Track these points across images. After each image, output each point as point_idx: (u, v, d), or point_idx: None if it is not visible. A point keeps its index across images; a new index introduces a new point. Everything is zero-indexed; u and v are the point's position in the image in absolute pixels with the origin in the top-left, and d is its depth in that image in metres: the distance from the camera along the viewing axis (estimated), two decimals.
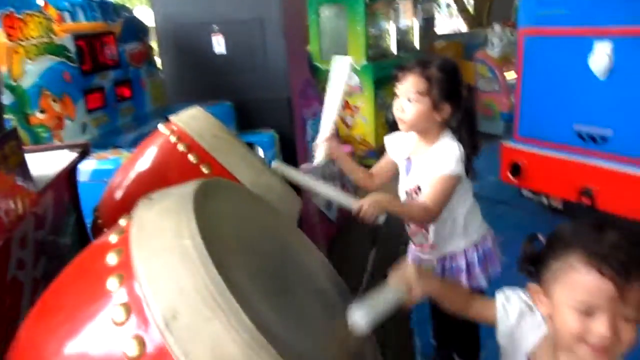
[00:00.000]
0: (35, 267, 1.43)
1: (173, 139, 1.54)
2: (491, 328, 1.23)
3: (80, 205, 1.91)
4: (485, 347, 1.92)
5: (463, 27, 8.83)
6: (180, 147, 1.51)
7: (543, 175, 3.57)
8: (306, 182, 1.67)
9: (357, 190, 2.30)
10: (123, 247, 0.77)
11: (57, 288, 0.86)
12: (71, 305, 0.79)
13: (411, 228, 1.86)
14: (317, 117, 3.51)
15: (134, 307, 0.70)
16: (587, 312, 0.92)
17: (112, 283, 0.74)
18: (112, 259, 0.77)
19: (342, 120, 5.34)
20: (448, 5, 12.32)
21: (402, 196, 1.82)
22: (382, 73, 5.01)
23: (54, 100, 2.72)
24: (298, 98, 3.36)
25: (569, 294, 0.94)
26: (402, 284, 1.13)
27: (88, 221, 1.84)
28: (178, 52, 3.45)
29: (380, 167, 1.94)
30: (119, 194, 1.61)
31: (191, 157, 1.47)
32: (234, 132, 2.75)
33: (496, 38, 5.93)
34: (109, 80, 3.29)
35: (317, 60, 5.36)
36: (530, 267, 1.07)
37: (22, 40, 2.55)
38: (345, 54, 5.18)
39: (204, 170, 1.45)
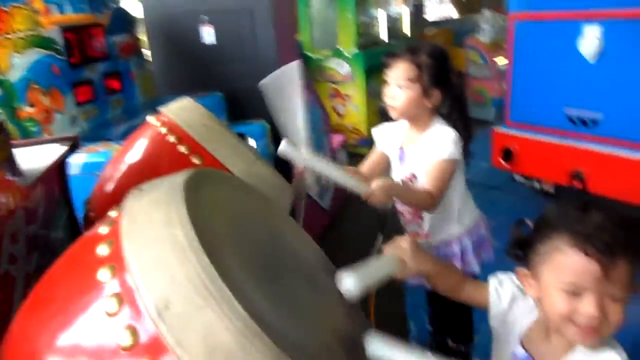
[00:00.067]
0: (28, 261, 1.43)
1: (163, 130, 1.54)
2: (484, 312, 1.24)
3: (72, 199, 1.90)
4: (478, 331, 1.94)
5: (454, 13, 8.79)
6: (171, 138, 1.50)
7: (535, 160, 3.58)
8: (314, 163, 1.56)
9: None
10: (114, 239, 0.77)
11: (48, 281, 0.86)
12: (63, 297, 0.79)
13: (405, 217, 1.86)
14: (308, 107, 3.49)
15: (126, 297, 0.70)
16: (574, 293, 0.93)
17: (103, 274, 0.73)
18: (103, 250, 0.77)
19: (334, 109, 5.34)
20: None
21: None
22: (373, 61, 5.00)
23: (43, 94, 2.70)
24: None
25: (556, 276, 0.96)
26: (397, 256, 1.14)
27: (80, 215, 1.83)
28: (167, 43, 3.42)
29: (370, 162, 1.89)
30: (109, 187, 1.61)
31: (182, 148, 1.47)
32: (225, 123, 2.74)
33: (486, 24, 5.92)
34: (98, 73, 3.26)
35: (307, 50, 5.34)
36: (518, 251, 1.08)
37: (8, 34, 2.52)
38: (336, 42, 5.19)
39: (195, 161, 1.45)
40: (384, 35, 5.72)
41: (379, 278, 1.04)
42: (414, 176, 1.75)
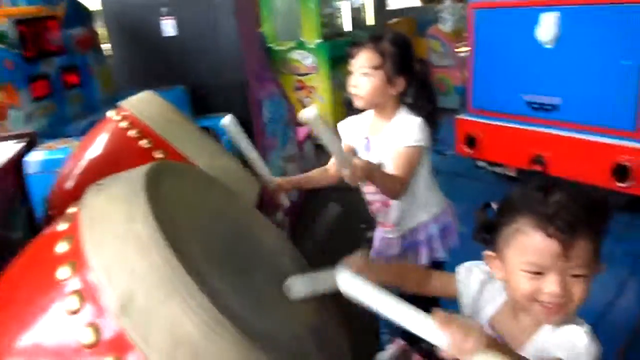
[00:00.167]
0: None
1: (124, 124, 1.50)
2: (450, 300, 1.25)
3: (30, 197, 1.84)
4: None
5: (416, 3, 8.85)
6: (132, 133, 1.46)
7: (497, 146, 3.66)
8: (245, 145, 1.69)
9: None
10: (73, 234, 0.75)
11: (6, 282, 0.83)
12: (22, 298, 0.77)
13: (374, 205, 1.86)
14: (272, 99, 3.47)
15: (87, 294, 0.68)
16: (538, 272, 0.96)
17: (63, 272, 0.71)
18: (62, 247, 0.75)
19: (299, 101, 5.31)
20: None
21: None
22: (337, 52, 4.98)
23: None
24: (253, 80, 3.31)
25: (519, 257, 0.98)
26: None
27: (40, 214, 1.78)
28: (127, 36, 3.34)
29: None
30: (69, 184, 1.56)
31: (144, 142, 1.44)
32: (189, 117, 2.69)
33: (448, 13, 5.99)
34: (55, 67, 3.14)
35: (271, 42, 5.30)
36: (485, 235, 1.10)
37: None
38: (300, 34, 5.16)
39: (158, 155, 1.42)
40: (347, 26, 5.72)
41: (322, 290, 1.04)
42: (381, 165, 1.76)
